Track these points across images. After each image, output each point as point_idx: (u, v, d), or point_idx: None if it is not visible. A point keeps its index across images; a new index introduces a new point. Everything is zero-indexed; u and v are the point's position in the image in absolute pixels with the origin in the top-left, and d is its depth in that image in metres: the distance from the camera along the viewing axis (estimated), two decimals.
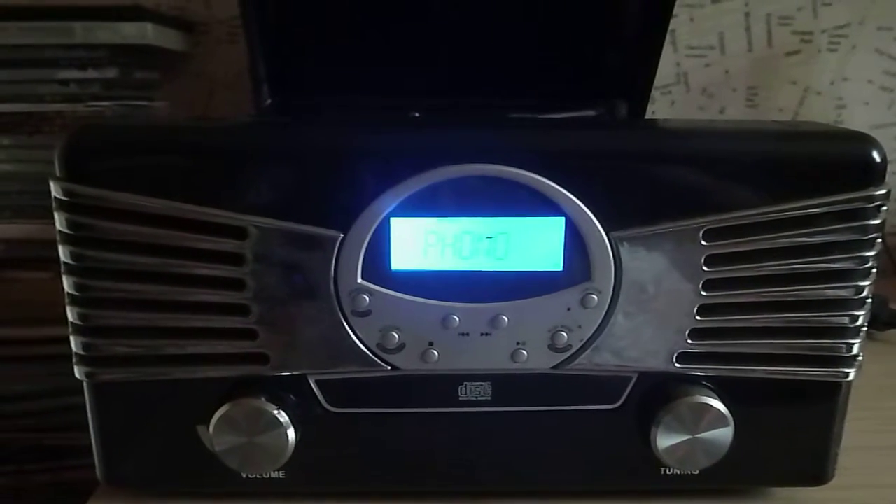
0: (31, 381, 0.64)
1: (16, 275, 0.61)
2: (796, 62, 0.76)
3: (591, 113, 0.52)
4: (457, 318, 0.36)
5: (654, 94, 0.72)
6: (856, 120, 0.77)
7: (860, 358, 0.37)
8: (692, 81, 0.76)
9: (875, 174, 0.35)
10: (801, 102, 0.77)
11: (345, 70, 0.52)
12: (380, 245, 0.35)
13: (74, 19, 0.57)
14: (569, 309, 0.36)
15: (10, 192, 0.60)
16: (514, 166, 0.34)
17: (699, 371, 0.37)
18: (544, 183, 0.34)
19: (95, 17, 0.57)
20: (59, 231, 0.35)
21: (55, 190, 0.34)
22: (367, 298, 0.35)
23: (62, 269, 0.35)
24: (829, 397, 0.38)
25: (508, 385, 0.37)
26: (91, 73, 0.58)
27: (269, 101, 0.52)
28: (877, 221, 0.35)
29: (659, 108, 0.76)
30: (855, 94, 0.77)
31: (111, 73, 0.59)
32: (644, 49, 0.52)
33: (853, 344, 0.37)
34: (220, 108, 0.73)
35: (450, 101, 0.49)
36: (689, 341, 0.37)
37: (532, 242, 0.35)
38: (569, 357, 0.37)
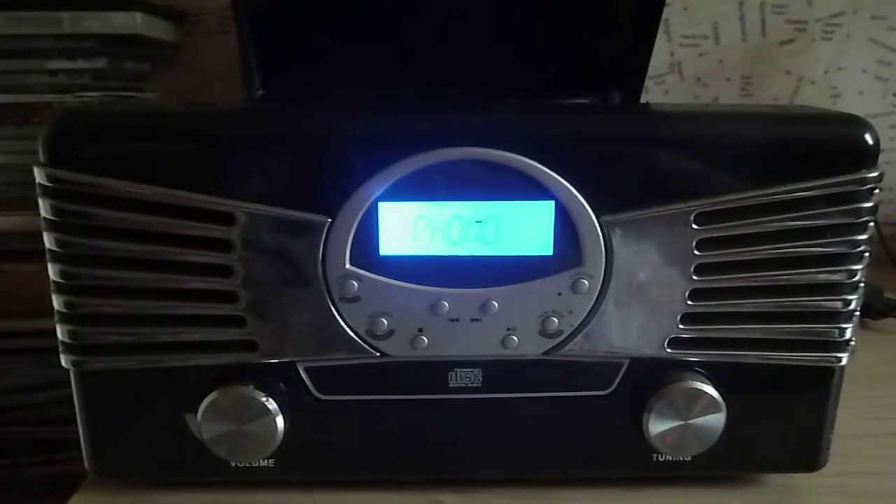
0: (22, 375, 0.63)
1: (5, 267, 0.60)
2: (790, 51, 0.76)
3: (584, 102, 0.52)
4: (446, 304, 0.35)
5: (648, 83, 0.72)
6: (850, 109, 0.74)
7: (853, 342, 0.37)
8: (686, 71, 0.76)
9: (868, 157, 0.35)
10: (795, 92, 0.77)
11: (337, 60, 0.52)
12: (368, 230, 0.34)
13: (62, 9, 0.56)
14: (559, 294, 0.36)
15: None
16: (503, 149, 0.34)
17: (691, 356, 0.37)
18: (534, 166, 0.34)
19: (84, 6, 0.56)
20: (44, 218, 0.34)
21: (39, 176, 0.34)
22: (356, 284, 0.35)
23: (47, 257, 0.35)
24: (822, 382, 0.38)
25: (499, 371, 0.37)
26: (80, 64, 0.58)
27: (260, 92, 0.52)
28: (869, 204, 0.35)
29: (652, 98, 0.75)
30: (849, 84, 0.77)
31: (100, 63, 0.59)
32: (638, 38, 0.52)
33: (846, 328, 0.37)
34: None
35: (442, 91, 0.49)
36: (681, 326, 0.36)
37: (522, 227, 0.35)
38: (560, 343, 0.36)
